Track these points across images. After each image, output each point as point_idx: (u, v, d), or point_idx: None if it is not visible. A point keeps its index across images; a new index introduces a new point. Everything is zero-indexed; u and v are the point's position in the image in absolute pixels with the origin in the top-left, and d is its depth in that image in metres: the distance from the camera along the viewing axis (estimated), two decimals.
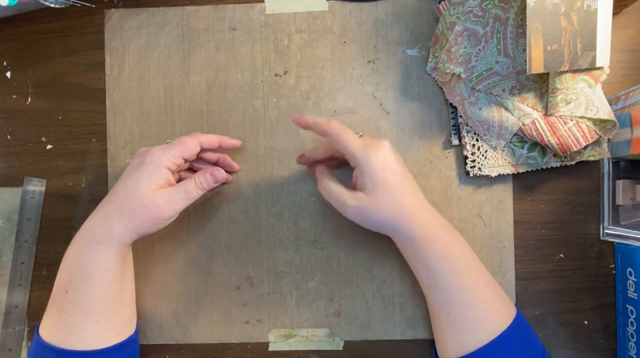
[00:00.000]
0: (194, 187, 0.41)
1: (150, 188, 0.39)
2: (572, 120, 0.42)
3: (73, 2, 0.45)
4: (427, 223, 0.40)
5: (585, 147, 0.45)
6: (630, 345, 0.45)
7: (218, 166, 0.46)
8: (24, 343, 0.50)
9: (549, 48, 0.38)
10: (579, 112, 0.42)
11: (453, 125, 0.48)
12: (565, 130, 0.42)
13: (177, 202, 0.40)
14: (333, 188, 0.41)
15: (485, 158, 0.46)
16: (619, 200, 0.46)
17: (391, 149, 0.40)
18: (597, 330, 0.48)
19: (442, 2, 0.46)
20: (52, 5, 0.44)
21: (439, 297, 0.41)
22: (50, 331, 0.41)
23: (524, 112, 0.43)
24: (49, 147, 0.50)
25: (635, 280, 0.44)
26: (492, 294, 0.41)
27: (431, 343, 0.45)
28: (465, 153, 0.47)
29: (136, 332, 0.45)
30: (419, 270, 0.42)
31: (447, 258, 0.40)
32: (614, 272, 0.48)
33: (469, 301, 0.40)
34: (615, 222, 0.47)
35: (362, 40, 0.49)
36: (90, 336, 0.41)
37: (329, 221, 0.49)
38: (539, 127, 0.43)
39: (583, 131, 0.42)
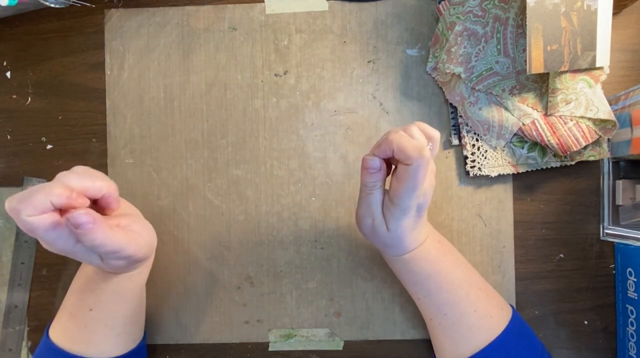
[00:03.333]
0: None
1: None
2: (572, 120, 0.42)
3: (73, 2, 0.45)
4: (418, 239, 0.39)
5: (585, 147, 0.45)
6: (630, 345, 0.45)
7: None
8: (24, 343, 0.50)
9: (549, 48, 0.38)
10: (579, 112, 0.42)
11: (453, 125, 0.48)
12: (565, 130, 0.42)
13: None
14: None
15: (485, 158, 0.46)
16: (619, 200, 0.46)
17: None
18: (597, 330, 0.48)
19: (442, 2, 0.46)
20: (52, 5, 0.44)
21: (429, 309, 0.41)
22: (66, 341, 0.40)
23: (524, 112, 0.43)
24: (49, 147, 0.50)
25: (635, 280, 0.44)
26: (485, 302, 0.40)
27: (431, 343, 0.45)
28: (465, 153, 0.47)
29: (145, 336, 0.46)
30: (406, 284, 0.42)
31: (434, 274, 0.39)
32: (614, 272, 0.48)
33: (460, 312, 0.39)
34: (615, 222, 0.47)
35: (362, 40, 0.49)
36: (110, 347, 0.41)
37: (328, 221, 0.49)
38: (539, 127, 0.43)
39: (583, 131, 0.42)
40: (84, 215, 0.30)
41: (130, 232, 0.36)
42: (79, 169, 0.34)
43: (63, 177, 0.32)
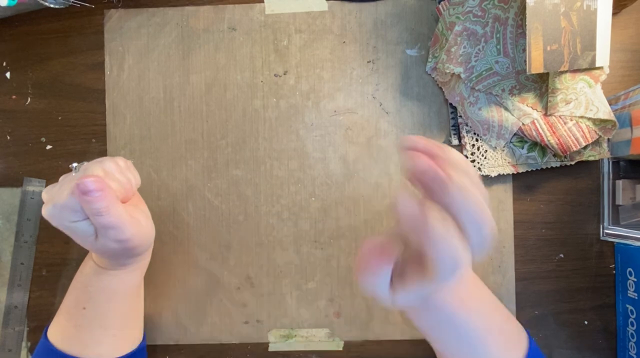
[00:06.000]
0: None
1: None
2: (571, 120, 0.42)
3: (72, 2, 0.45)
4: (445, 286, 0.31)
5: (585, 147, 0.45)
6: (631, 345, 0.45)
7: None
8: (24, 344, 0.50)
9: (548, 48, 0.38)
10: (578, 112, 0.42)
11: (453, 125, 0.48)
12: (565, 130, 0.42)
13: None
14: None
15: (485, 158, 0.46)
16: (619, 200, 0.46)
17: None
18: (597, 330, 0.48)
19: (442, 2, 0.46)
20: (52, 6, 0.44)
21: (443, 355, 0.37)
22: (63, 341, 0.40)
23: (524, 112, 0.43)
24: (48, 147, 0.50)
25: (635, 280, 0.44)
26: (503, 346, 0.36)
27: None
28: (465, 153, 0.47)
29: (144, 337, 0.46)
30: (419, 329, 0.36)
31: (451, 327, 0.34)
32: (614, 272, 0.48)
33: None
34: (615, 222, 0.47)
35: (362, 40, 0.49)
36: (106, 349, 0.41)
37: (328, 221, 0.49)
38: (538, 127, 0.43)
39: (583, 131, 0.42)
40: (93, 182, 0.31)
41: (133, 218, 0.36)
42: (120, 162, 0.38)
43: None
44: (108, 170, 0.36)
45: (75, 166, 0.36)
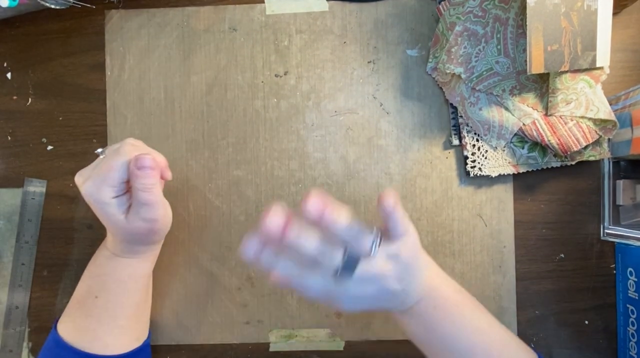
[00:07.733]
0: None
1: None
2: (572, 120, 0.42)
3: (73, 3, 0.45)
4: (441, 295, 0.35)
5: (586, 147, 0.45)
6: (631, 345, 0.45)
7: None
8: (25, 345, 0.50)
9: (549, 48, 0.38)
10: (579, 112, 0.42)
11: (453, 126, 0.48)
12: (565, 130, 0.42)
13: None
14: None
15: (486, 158, 0.46)
16: (620, 200, 0.46)
17: None
18: (597, 330, 0.48)
19: (442, 3, 0.46)
20: (53, 7, 0.44)
21: None
22: (72, 333, 0.41)
23: (524, 112, 0.43)
24: (49, 148, 0.50)
25: (635, 280, 0.44)
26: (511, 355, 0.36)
27: None
28: (465, 153, 0.47)
29: (149, 336, 0.46)
30: (421, 346, 0.37)
31: (434, 344, 0.36)
32: (614, 271, 0.48)
33: None
34: (616, 221, 0.47)
35: (363, 40, 0.49)
36: (112, 341, 0.41)
37: None
38: (539, 127, 0.43)
39: (583, 131, 0.42)
40: (149, 159, 0.36)
41: (164, 201, 0.40)
42: (139, 144, 0.40)
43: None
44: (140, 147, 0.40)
45: (101, 151, 0.39)
